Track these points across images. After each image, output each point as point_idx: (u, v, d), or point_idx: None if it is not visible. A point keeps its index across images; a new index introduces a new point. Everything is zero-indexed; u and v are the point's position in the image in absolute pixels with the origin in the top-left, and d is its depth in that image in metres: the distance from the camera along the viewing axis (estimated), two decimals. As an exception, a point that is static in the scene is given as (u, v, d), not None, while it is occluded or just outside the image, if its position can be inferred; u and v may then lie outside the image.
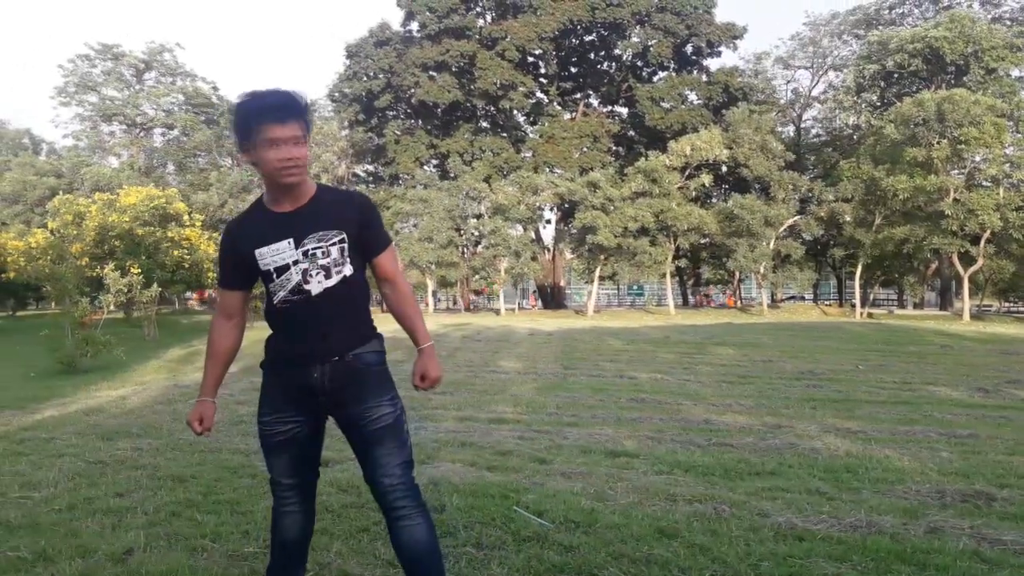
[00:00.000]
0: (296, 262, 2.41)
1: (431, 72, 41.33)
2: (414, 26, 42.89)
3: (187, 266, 25.65)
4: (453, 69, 40.55)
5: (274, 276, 2.44)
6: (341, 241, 2.45)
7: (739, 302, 42.89)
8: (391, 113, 44.96)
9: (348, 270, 2.46)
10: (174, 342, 17.20)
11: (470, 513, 3.87)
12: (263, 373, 2.62)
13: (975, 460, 5.28)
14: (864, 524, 3.74)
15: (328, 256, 2.43)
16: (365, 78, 43.41)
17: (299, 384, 2.48)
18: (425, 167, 43.80)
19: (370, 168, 49.25)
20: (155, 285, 20.90)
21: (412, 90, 41.35)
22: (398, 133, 43.06)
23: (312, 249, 2.42)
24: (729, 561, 3.24)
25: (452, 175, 40.78)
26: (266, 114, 2.30)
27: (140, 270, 21.10)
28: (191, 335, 19.57)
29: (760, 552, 3.35)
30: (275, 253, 2.42)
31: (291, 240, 2.41)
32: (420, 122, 44.25)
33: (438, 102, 40.61)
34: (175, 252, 25.20)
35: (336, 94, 46.01)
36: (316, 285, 2.43)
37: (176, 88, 54.81)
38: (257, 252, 2.43)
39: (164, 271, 24.21)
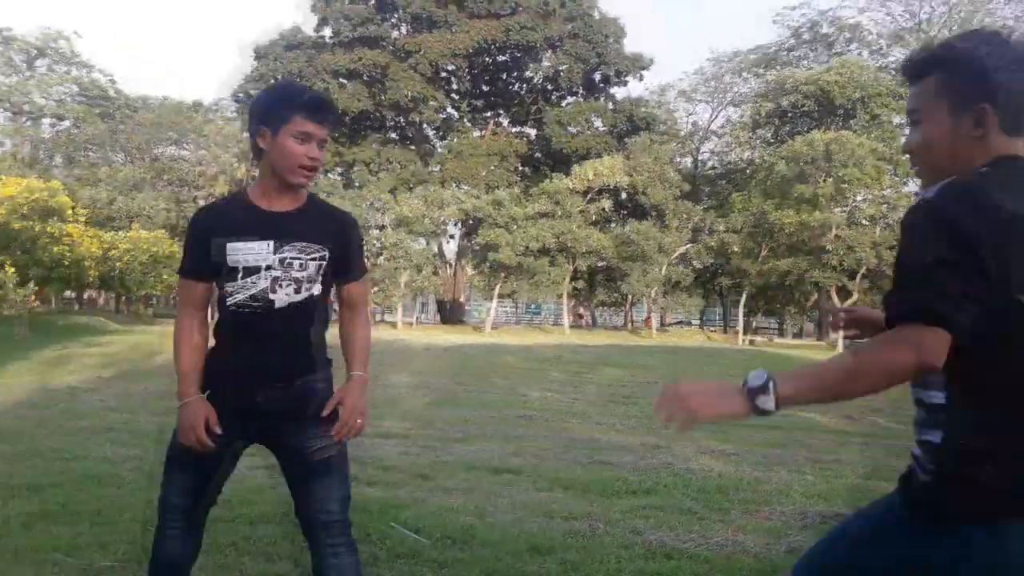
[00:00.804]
0: (269, 267, 2.24)
1: (342, 79, 40.82)
2: (327, 32, 42.32)
3: (67, 264, 24.27)
4: (365, 78, 40.17)
5: (239, 276, 2.25)
6: (321, 258, 2.30)
7: (630, 324, 44.01)
8: (297, 118, 44.07)
9: (317, 289, 2.30)
10: (47, 343, 16.22)
11: (345, 528, 3.81)
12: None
13: (836, 483, 5.57)
14: (730, 544, 3.90)
15: (304, 270, 2.26)
16: (273, 80, 42.41)
17: (237, 406, 2.29)
18: (329, 175, 43.09)
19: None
20: (31, 283, 19.68)
21: (320, 96, 40.70)
22: (303, 138, 42.24)
23: (290, 258, 2.25)
24: (599, 578, 3.31)
25: (357, 184, 40.29)
26: (308, 108, 2.20)
27: (14, 267, 19.83)
28: (65, 336, 18.51)
29: (630, 569, 3.44)
30: (250, 251, 2.24)
31: (271, 243, 2.24)
32: (326, 129, 43.59)
33: (347, 110, 40.11)
34: (55, 249, 23.80)
35: (241, 95, 44.74)
36: (282, 297, 2.24)
37: (70, 78, 51.96)
38: (230, 245, 2.24)
39: (41, 268, 22.83)
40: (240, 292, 2.25)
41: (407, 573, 3.27)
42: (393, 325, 39.42)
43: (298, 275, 2.25)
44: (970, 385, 1.41)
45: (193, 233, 2.35)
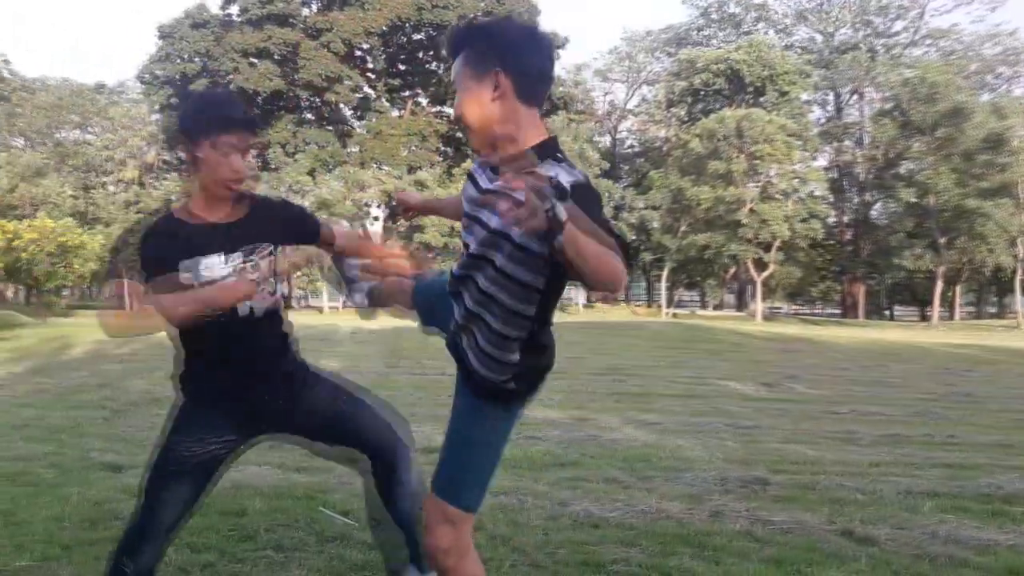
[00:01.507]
0: (224, 278, 2.22)
1: (252, 59, 39.62)
2: (234, 10, 40.90)
3: (-36, 254, 23.03)
4: (276, 57, 39.08)
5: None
6: (270, 253, 2.32)
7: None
8: (207, 99, 42.63)
9: (279, 289, 2.37)
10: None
11: (272, 516, 3.77)
12: (184, 400, 2.37)
13: (755, 448, 5.80)
14: (654, 510, 4.02)
15: (258, 271, 2.28)
16: (179, 60, 40.91)
17: (242, 411, 2.33)
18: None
19: (182, 155, 46.40)
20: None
21: (230, 76, 39.40)
22: (214, 120, 40.91)
23: (242, 264, 2.25)
24: (528, 550, 3.37)
25: (273, 166, 39.31)
26: (226, 122, 2.21)
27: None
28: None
29: (557, 540, 3.52)
30: (205, 268, 2.22)
31: (222, 254, 2.24)
32: (239, 110, 42.29)
33: (259, 90, 38.97)
34: (-51, 239, 22.56)
35: (146, 76, 42.96)
36: (258, 303, 2.27)
37: (-38, 61, 48.92)
38: (182, 264, 2.21)
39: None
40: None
41: (336, 556, 3.27)
42: (319, 310, 38.80)
43: (254, 276, 2.27)
44: (544, 317, 1.94)
45: (146, 258, 2.27)
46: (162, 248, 2.26)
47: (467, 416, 2.04)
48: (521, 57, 1.81)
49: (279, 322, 2.40)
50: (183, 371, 2.38)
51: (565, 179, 1.70)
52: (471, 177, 1.96)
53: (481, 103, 1.81)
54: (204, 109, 2.28)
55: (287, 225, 2.42)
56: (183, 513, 2.38)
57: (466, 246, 1.92)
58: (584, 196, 1.67)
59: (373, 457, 2.48)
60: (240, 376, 2.32)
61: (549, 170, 1.70)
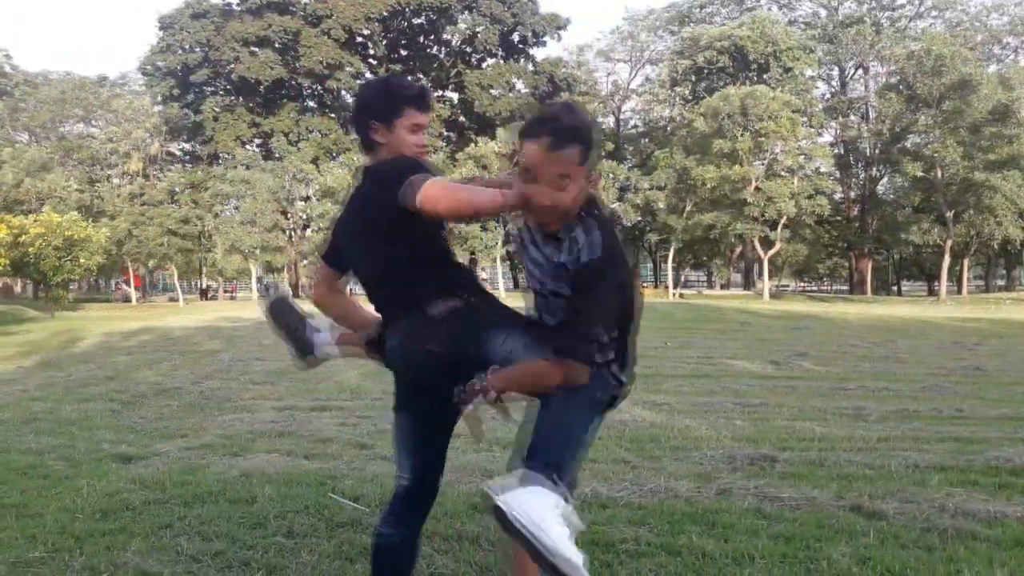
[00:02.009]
0: None
1: (252, 48, 39.51)
2: (234, -1, 40.81)
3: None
4: (276, 45, 38.99)
5: None
6: None
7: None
8: (209, 89, 42.56)
9: None
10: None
11: (283, 503, 3.80)
12: None
13: (763, 426, 5.79)
14: (662, 489, 4.03)
15: None
16: (180, 51, 40.82)
17: None
18: (247, 146, 41.85)
19: (187, 146, 46.43)
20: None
21: (232, 65, 39.34)
22: (217, 110, 40.84)
23: None
24: (537, 532, 3.38)
25: (277, 155, 39.29)
26: (414, 100, 2.32)
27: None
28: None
29: (566, 521, 3.52)
30: None
31: None
32: (241, 99, 42.18)
33: (260, 79, 38.88)
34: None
35: (148, 67, 42.93)
36: None
37: (-36, 56, 48.95)
38: None
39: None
40: None
41: (346, 541, 3.29)
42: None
43: None
44: None
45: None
46: None
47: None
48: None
49: None
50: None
51: (586, 254, 2.02)
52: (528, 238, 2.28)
53: (582, 189, 2.04)
54: (392, 92, 2.36)
55: None
56: None
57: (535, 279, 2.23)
58: (597, 274, 2.01)
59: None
60: None
61: (578, 236, 2.06)
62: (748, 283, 44.69)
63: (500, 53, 43.42)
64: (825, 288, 60.24)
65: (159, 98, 42.27)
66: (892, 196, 42.07)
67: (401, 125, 2.30)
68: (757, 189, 33.57)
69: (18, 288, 41.54)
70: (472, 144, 37.07)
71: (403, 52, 44.96)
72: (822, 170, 37.42)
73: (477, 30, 41.50)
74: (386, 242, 2.20)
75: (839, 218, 44.30)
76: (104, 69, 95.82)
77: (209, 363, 10.00)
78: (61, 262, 25.17)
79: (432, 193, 2.05)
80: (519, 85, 43.44)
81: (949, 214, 35.26)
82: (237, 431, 5.64)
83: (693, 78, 43.35)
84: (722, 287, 51.98)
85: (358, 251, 2.32)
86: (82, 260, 25.71)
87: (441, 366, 2.19)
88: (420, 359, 2.23)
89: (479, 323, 2.18)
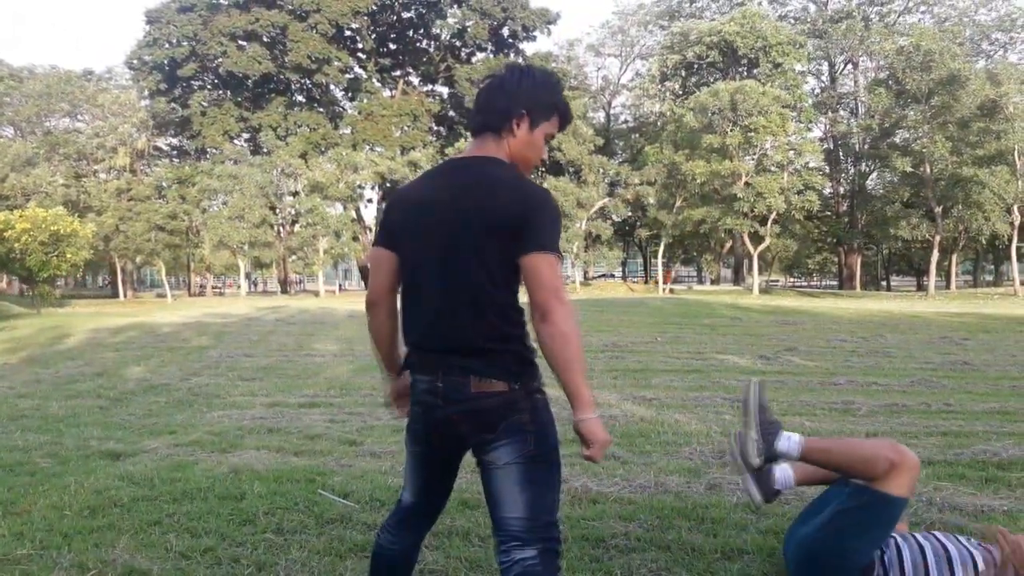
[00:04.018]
0: None
1: (240, 42, 39.27)
2: (221, -8, 40.52)
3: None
4: (264, 39, 38.77)
5: None
6: None
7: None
8: (196, 83, 42.28)
9: None
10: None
11: (272, 499, 3.78)
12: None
13: (752, 421, 5.80)
14: (652, 485, 4.04)
15: None
16: (167, 45, 40.49)
17: None
18: (235, 141, 41.63)
19: (174, 141, 46.17)
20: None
21: (219, 59, 39.10)
22: (205, 104, 40.57)
23: None
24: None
25: (265, 150, 39.10)
26: (564, 113, 2.21)
27: None
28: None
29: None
30: None
31: None
32: (229, 93, 41.92)
33: (248, 73, 38.65)
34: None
35: (135, 61, 42.57)
36: None
37: (-58, 47, 48.41)
38: None
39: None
40: None
41: (336, 537, 3.28)
42: (316, 294, 38.80)
43: None
44: None
45: None
46: None
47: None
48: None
49: None
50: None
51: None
52: None
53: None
54: (555, 93, 2.21)
55: None
56: None
57: None
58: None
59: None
60: None
61: None
62: (738, 278, 44.81)
63: (490, 48, 43.33)
64: (814, 283, 60.53)
65: (146, 92, 41.96)
66: (881, 191, 42.24)
67: (543, 129, 2.17)
68: (747, 184, 33.64)
69: (3, 284, 41.21)
70: (462, 139, 37.00)
71: (392, 46, 44.78)
72: (811, 165, 37.52)
73: (467, 24, 41.36)
74: (486, 252, 1.99)
75: (828, 213, 44.48)
76: (90, 63, 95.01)
77: (198, 359, 9.95)
78: (47, 257, 24.97)
79: (569, 328, 1.96)
80: (509, 80, 43.32)
81: (938, 209, 35.44)
82: (226, 427, 5.62)
83: (683, 73, 43.40)
84: (712, 282, 52.13)
85: (445, 238, 2.02)
86: (68, 255, 25.49)
87: (466, 445, 2.14)
88: (452, 430, 2.10)
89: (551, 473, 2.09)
